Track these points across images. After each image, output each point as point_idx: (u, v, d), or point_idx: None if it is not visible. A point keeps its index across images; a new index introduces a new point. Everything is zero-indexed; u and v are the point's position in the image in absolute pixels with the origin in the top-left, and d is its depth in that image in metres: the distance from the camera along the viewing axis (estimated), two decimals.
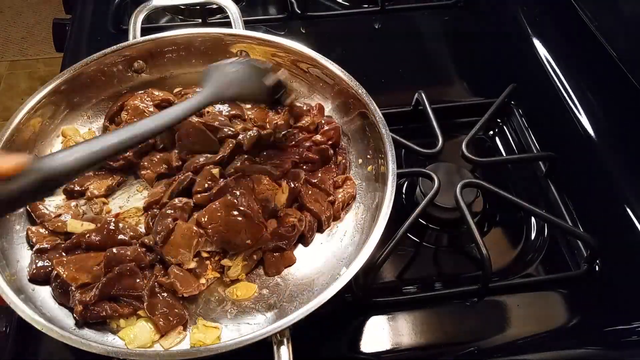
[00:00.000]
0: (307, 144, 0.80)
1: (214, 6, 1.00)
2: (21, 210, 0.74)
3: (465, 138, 0.86)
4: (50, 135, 0.81)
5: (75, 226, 0.71)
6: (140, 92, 0.85)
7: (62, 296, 0.66)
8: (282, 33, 1.09)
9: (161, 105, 0.82)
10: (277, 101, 0.78)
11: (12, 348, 0.69)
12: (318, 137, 0.81)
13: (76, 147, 0.57)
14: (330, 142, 0.81)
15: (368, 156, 0.80)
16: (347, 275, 0.62)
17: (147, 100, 0.83)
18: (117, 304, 0.66)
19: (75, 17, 1.15)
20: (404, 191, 0.87)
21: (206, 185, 0.72)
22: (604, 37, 0.98)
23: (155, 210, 0.72)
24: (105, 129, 0.84)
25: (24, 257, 0.70)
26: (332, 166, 0.81)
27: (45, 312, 0.65)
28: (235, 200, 0.69)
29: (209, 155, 0.77)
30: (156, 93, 0.84)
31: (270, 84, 0.75)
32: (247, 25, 0.95)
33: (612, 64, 0.95)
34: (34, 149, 0.79)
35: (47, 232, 0.72)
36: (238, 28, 0.92)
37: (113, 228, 0.69)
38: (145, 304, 0.65)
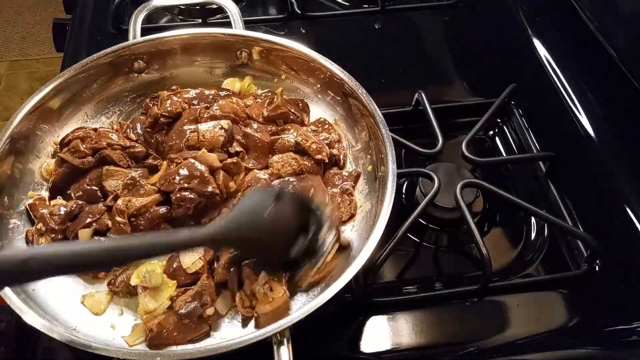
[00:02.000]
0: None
1: (214, 6, 1.00)
2: (21, 209, 0.74)
3: (465, 138, 0.86)
4: (50, 136, 0.81)
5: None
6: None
7: None
8: (282, 33, 1.09)
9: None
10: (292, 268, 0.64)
11: (12, 348, 0.69)
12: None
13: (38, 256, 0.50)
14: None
15: (368, 156, 0.80)
16: (347, 275, 0.62)
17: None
18: None
19: (75, 17, 1.15)
20: (404, 191, 0.87)
21: None
22: (604, 37, 0.98)
23: None
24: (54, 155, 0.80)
25: None
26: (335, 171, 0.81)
27: (45, 312, 0.65)
28: None
29: None
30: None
31: (296, 255, 0.61)
32: (247, 25, 0.95)
33: (612, 64, 0.95)
34: (34, 149, 0.79)
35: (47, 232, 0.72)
36: (238, 28, 0.92)
37: None
38: None
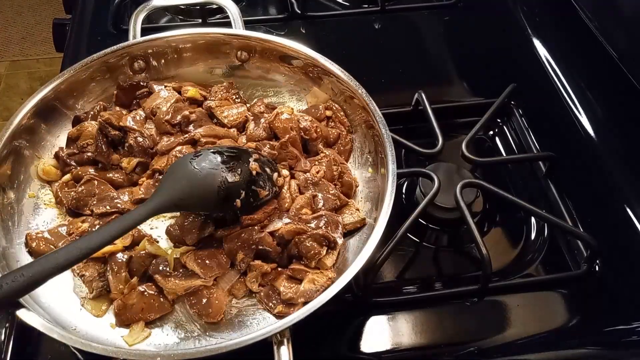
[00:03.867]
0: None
1: (214, 6, 1.00)
2: (21, 210, 0.74)
3: (465, 138, 0.86)
4: (50, 136, 0.81)
5: None
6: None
7: None
8: (282, 33, 1.09)
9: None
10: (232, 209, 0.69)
11: (12, 348, 0.69)
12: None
13: (29, 269, 0.58)
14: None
15: (368, 156, 0.80)
16: (347, 275, 0.62)
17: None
18: None
19: (75, 17, 1.15)
20: (404, 191, 0.87)
21: None
22: (604, 37, 0.98)
23: None
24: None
25: (23, 258, 0.70)
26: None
27: (45, 312, 0.65)
28: None
29: None
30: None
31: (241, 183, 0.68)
32: (247, 25, 0.95)
33: (612, 64, 0.95)
34: (34, 149, 0.79)
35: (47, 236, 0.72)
36: (238, 28, 0.92)
37: None
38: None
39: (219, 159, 0.69)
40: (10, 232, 0.72)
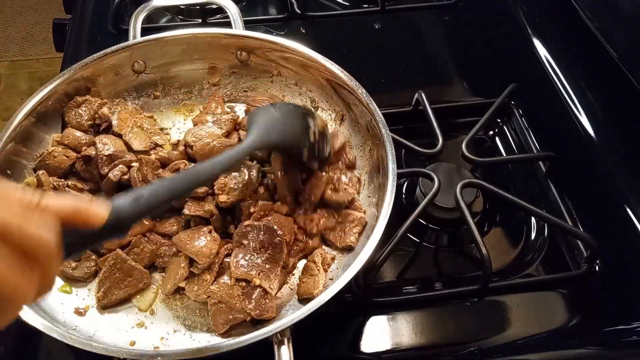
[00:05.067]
0: None
1: (214, 6, 1.00)
2: None
3: (465, 138, 0.86)
4: (50, 136, 0.81)
5: None
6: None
7: None
8: (282, 33, 1.09)
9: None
10: (316, 151, 0.74)
11: (12, 348, 0.69)
12: None
13: (144, 192, 0.55)
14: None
15: (368, 156, 0.80)
16: (347, 275, 0.62)
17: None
18: None
19: (75, 17, 1.15)
20: (404, 191, 0.87)
21: None
22: (604, 37, 0.98)
23: None
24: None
25: None
26: None
27: (45, 312, 0.65)
28: None
29: None
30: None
31: (313, 129, 0.73)
32: (247, 25, 0.95)
33: (612, 64, 0.95)
34: (35, 149, 0.79)
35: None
36: (238, 28, 0.92)
37: None
38: None
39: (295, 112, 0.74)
40: None
